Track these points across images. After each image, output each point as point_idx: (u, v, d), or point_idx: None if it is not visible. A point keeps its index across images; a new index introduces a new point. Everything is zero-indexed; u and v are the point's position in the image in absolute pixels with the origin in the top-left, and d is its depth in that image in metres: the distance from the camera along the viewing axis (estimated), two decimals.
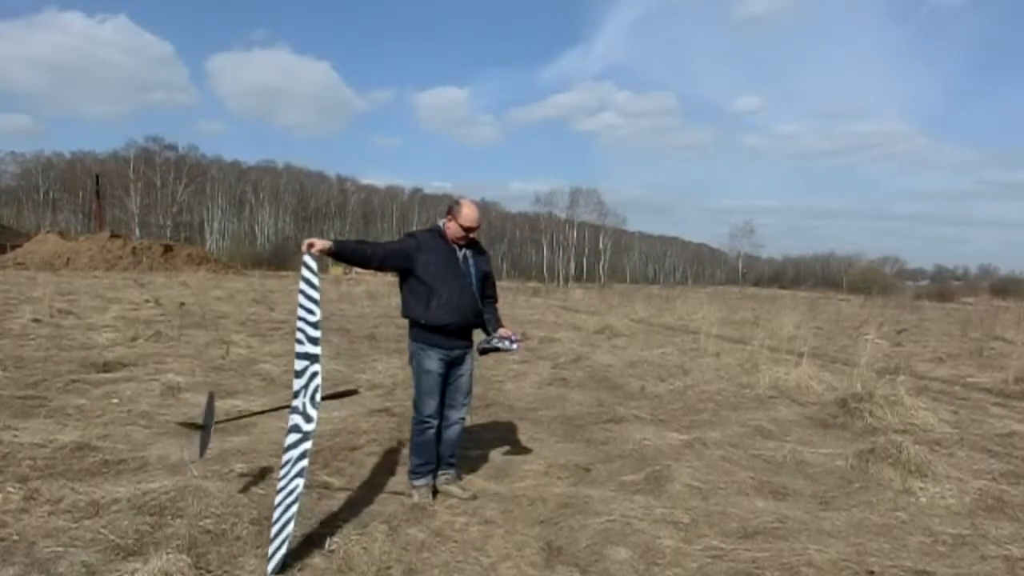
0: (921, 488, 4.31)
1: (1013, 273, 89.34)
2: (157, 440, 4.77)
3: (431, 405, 3.91)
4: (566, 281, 76.38)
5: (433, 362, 3.87)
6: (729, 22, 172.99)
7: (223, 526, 3.28)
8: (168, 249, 43.43)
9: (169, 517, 3.34)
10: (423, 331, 3.87)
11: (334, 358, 8.79)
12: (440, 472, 4.06)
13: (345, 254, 3.83)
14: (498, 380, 7.75)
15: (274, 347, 9.46)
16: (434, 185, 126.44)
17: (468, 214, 3.83)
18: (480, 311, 3.94)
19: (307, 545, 3.19)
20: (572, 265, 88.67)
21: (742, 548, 3.38)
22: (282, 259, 63.81)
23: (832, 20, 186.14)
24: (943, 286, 75.08)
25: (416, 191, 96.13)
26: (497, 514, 3.73)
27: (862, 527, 3.74)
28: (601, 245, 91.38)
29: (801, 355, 8.46)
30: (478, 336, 4.04)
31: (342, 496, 3.92)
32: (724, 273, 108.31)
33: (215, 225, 78.92)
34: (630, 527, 3.58)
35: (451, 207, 3.91)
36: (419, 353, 3.90)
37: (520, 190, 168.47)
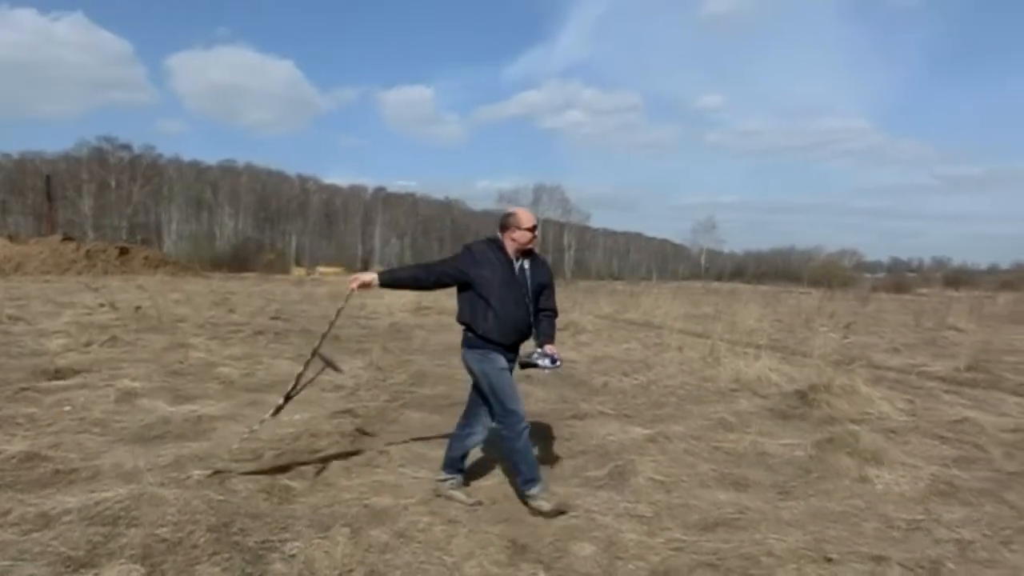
0: (877, 475, 4.42)
1: (965, 264, 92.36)
2: (111, 448, 4.63)
3: (520, 403, 3.81)
4: None
5: (502, 360, 3.80)
6: (693, 20, 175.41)
7: (179, 534, 3.19)
8: (124, 252, 42.21)
9: (123, 526, 3.24)
10: (480, 338, 3.81)
11: (296, 359, 8.66)
12: (448, 476, 4.02)
13: (394, 284, 3.92)
14: (462, 379, 7.71)
15: (234, 350, 9.28)
16: (398, 184, 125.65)
17: (525, 216, 3.83)
18: (531, 324, 3.87)
19: (267, 550, 3.14)
20: None
21: (704, 540, 3.43)
22: (242, 260, 62.71)
23: (794, 19, 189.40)
24: (899, 278, 76.96)
25: (379, 190, 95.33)
26: (461, 513, 3.71)
27: (820, 515, 3.81)
28: (565, 242, 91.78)
29: (761, 347, 8.60)
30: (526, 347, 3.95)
31: (303, 499, 3.85)
32: (687, 268, 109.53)
33: (173, 227, 77.09)
34: (593, 522, 3.60)
35: (506, 221, 3.84)
36: (484, 359, 3.79)
37: (485, 189, 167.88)
